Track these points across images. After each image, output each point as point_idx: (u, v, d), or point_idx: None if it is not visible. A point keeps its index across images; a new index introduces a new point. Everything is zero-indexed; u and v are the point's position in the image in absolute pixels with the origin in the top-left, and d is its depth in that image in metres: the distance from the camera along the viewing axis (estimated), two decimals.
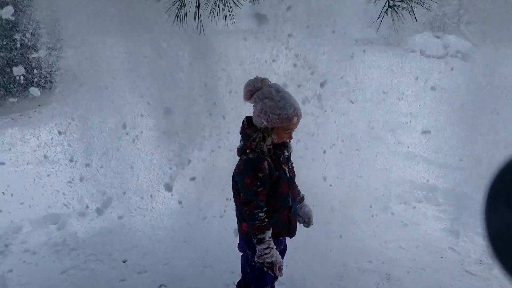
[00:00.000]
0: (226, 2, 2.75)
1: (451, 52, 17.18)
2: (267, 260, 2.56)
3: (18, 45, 10.13)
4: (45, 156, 6.27)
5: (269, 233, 2.56)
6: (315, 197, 3.96)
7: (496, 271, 3.80)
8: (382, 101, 5.85)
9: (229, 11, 2.78)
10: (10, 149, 7.37)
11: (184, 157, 4.52)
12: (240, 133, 2.73)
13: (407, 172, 5.96)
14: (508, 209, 0.77)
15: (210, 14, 2.79)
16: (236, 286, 3.08)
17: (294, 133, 2.73)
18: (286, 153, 2.77)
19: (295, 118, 2.57)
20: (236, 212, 2.85)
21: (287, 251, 3.06)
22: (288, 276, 2.78)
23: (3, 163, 5.72)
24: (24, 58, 10.14)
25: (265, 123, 2.52)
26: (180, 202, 4.61)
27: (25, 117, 9.59)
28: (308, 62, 4.57)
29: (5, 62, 10.21)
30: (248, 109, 2.76)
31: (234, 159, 2.82)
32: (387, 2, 2.73)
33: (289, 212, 2.76)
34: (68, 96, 4.74)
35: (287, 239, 2.99)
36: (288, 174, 2.75)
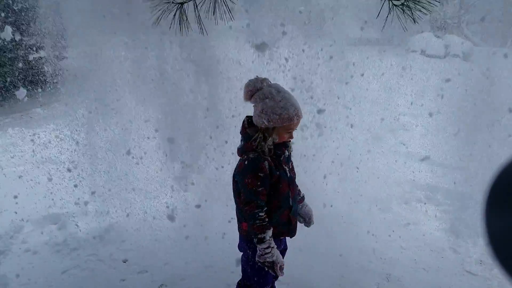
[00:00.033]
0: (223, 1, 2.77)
1: (452, 52, 17.21)
2: (268, 259, 2.56)
3: (20, 45, 10.20)
4: (46, 156, 6.29)
5: (269, 232, 2.56)
6: (315, 197, 3.97)
7: (497, 271, 3.79)
8: (383, 101, 5.85)
9: (226, 12, 2.79)
10: (11, 149, 7.38)
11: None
12: (240, 133, 2.73)
13: (407, 172, 5.97)
14: (508, 210, 0.77)
15: (208, 12, 2.80)
16: (237, 286, 3.07)
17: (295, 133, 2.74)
18: (287, 153, 2.76)
19: (296, 118, 2.57)
20: (236, 212, 2.85)
21: (287, 250, 3.06)
22: (288, 276, 2.77)
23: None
24: (26, 58, 10.17)
25: (266, 123, 2.52)
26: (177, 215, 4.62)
27: (26, 117, 9.60)
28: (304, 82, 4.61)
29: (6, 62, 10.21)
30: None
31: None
32: (389, 2, 2.73)
33: (289, 212, 2.76)
34: (69, 97, 4.74)
35: (288, 239, 2.99)
36: (288, 174, 2.75)
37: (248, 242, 2.78)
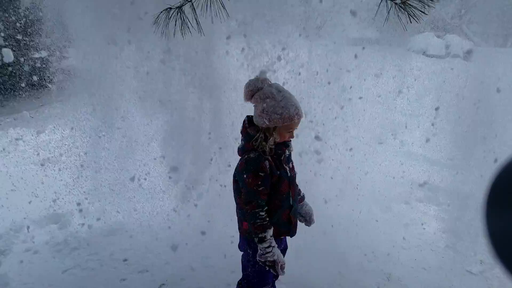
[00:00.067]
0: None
1: (452, 52, 17.20)
2: (269, 259, 2.56)
3: (21, 45, 10.22)
4: (47, 156, 6.30)
5: (270, 231, 2.57)
6: (316, 196, 3.97)
7: (497, 270, 3.81)
8: (384, 101, 5.85)
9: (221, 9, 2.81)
10: (12, 148, 7.38)
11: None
12: (241, 132, 2.73)
13: (408, 172, 5.96)
14: (509, 209, 0.77)
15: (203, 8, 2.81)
16: (237, 285, 3.08)
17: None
18: (287, 153, 2.77)
19: (297, 117, 2.58)
20: (236, 212, 2.85)
21: (287, 250, 3.07)
22: (288, 275, 2.77)
23: None
24: (27, 58, 10.19)
25: (267, 122, 2.53)
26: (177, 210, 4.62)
27: (27, 117, 9.61)
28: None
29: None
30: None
31: None
32: (386, 1, 2.73)
33: (289, 212, 2.77)
34: (70, 97, 4.74)
35: (288, 238, 3.00)
36: (289, 174, 2.76)
37: (249, 241, 2.79)
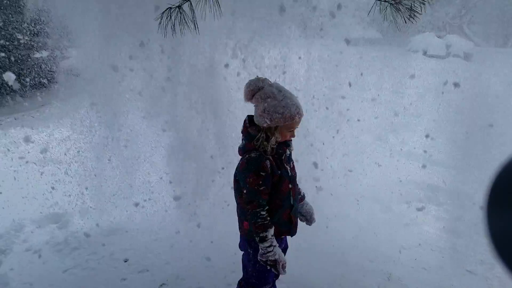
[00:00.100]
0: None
1: (453, 52, 17.22)
2: (270, 258, 2.57)
3: (22, 44, 10.22)
4: (47, 156, 6.29)
5: (271, 231, 2.57)
6: (317, 197, 3.97)
7: (497, 270, 3.81)
8: (384, 101, 5.85)
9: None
10: (12, 148, 7.39)
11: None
12: (241, 132, 2.73)
13: (408, 172, 5.97)
14: (509, 208, 0.77)
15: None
16: (237, 285, 3.08)
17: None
18: (288, 152, 2.77)
19: (298, 116, 2.58)
20: (237, 211, 2.85)
21: (288, 250, 3.07)
22: (288, 275, 2.78)
23: None
24: (28, 58, 10.19)
25: (268, 122, 2.53)
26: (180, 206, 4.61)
27: (28, 117, 9.61)
28: None
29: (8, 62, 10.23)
30: None
31: None
32: (381, 2, 2.74)
33: (290, 211, 2.77)
34: (71, 97, 4.74)
35: (288, 238, 3.00)
36: (289, 173, 2.76)
37: (249, 241, 2.79)
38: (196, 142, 4.42)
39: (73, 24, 4.37)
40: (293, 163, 2.87)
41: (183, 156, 4.44)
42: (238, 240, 2.97)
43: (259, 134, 2.59)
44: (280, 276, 2.89)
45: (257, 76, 2.71)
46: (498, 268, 3.24)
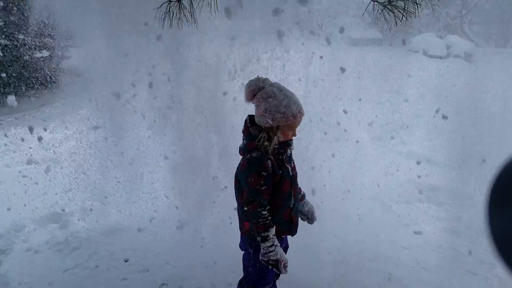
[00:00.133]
0: None
1: (453, 53, 17.21)
2: (272, 257, 2.56)
3: (23, 44, 10.23)
4: (48, 155, 6.30)
5: (273, 231, 2.57)
6: (317, 196, 3.97)
7: (498, 270, 3.81)
8: (385, 101, 5.85)
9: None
10: (13, 148, 7.40)
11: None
12: (242, 132, 2.73)
13: (408, 172, 5.96)
14: (511, 208, 0.78)
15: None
16: (238, 285, 3.08)
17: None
18: (289, 152, 2.78)
19: (299, 115, 2.58)
20: (238, 211, 2.85)
21: (288, 249, 3.07)
22: (289, 275, 2.77)
23: None
24: (29, 57, 10.20)
25: (270, 122, 2.53)
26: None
27: (28, 116, 9.62)
28: None
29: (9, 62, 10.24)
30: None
31: None
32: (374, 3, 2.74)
33: (291, 211, 2.77)
34: (71, 96, 4.74)
35: (289, 238, 3.00)
36: (291, 173, 2.76)
37: (250, 241, 2.79)
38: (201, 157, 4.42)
39: (74, 24, 4.37)
40: (293, 162, 2.87)
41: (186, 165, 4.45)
42: (238, 240, 2.97)
43: (261, 134, 2.59)
44: (281, 275, 2.89)
45: (258, 76, 2.70)
46: (498, 268, 3.23)
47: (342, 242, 4.27)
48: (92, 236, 4.58)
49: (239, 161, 2.73)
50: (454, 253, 4.46)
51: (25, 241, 4.57)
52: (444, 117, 4.94)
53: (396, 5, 2.66)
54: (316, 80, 4.67)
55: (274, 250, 2.56)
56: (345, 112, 4.63)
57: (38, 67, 10.14)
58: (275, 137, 2.58)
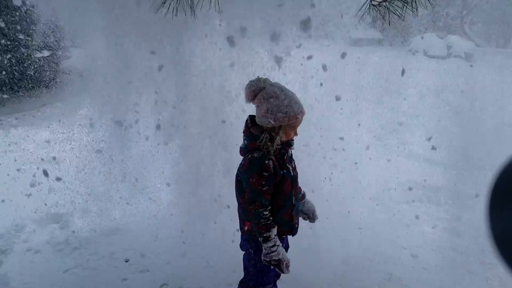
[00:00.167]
0: None
1: (454, 53, 17.22)
2: (274, 258, 2.57)
3: (23, 44, 10.23)
4: (48, 156, 6.29)
5: (274, 231, 2.57)
6: (317, 197, 3.97)
7: (498, 270, 3.81)
8: (385, 101, 5.85)
9: None
10: (13, 148, 7.40)
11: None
12: (243, 132, 2.73)
13: (409, 172, 5.97)
14: (510, 208, 0.78)
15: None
16: (239, 285, 3.09)
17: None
18: (290, 152, 2.78)
19: (301, 115, 2.60)
20: (238, 211, 2.86)
21: (288, 249, 3.07)
22: (289, 275, 2.77)
23: None
24: (30, 57, 10.20)
25: (272, 122, 2.53)
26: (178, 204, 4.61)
27: (29, 116, 9.63)
28: None
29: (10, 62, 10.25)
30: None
31: None
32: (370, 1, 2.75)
33: (291, 211, 2.77)
34: (72, 96, 4.74)
35: (289, 237, 3.00)
36: (292, 173, 2.76)
37: (250, 241, 2.79)
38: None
39: (75, 24, 4.37)
40: (294, 163, 2.88)
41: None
42: (239, 240, 2.98)
43: (263, 134, 2.59)
44: (282, 275, 2.90)
45: (258, 76, 2.70)
46: (498, 268, 3.23)
47: (342, 242, 4.27)
48: (93, 236, 4.58)
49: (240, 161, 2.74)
50: (454, 253, 4.46)
51: (26, 241, 4.57)
52: (434, 148, 4.96)
53: (391, 4, 2.67)
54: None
55: (276, 250, 2.56)
56: (343, 108, 4.65)
57: (38, 67, 10.14)
58: (278, 137, 2.59)
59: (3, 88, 9.79)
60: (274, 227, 2.57)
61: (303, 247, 3.67)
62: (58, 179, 5.01)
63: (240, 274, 3.03)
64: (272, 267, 2.63)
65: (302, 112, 2.60)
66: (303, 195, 3.09)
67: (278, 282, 3.12)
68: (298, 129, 2.73)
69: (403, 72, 4.85)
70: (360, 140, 5.14)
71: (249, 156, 2.62)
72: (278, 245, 2.58)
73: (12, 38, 10.10)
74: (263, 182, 2.54)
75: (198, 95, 4.22)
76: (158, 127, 4.33)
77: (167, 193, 4.79)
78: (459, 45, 18.20)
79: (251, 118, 2.70)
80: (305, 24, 3.48)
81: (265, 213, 2.55)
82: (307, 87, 4.37)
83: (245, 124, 2.72)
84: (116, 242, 4.50)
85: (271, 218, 2.57)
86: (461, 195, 4.90)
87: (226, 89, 4.20)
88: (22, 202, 4.93)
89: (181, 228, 4.37)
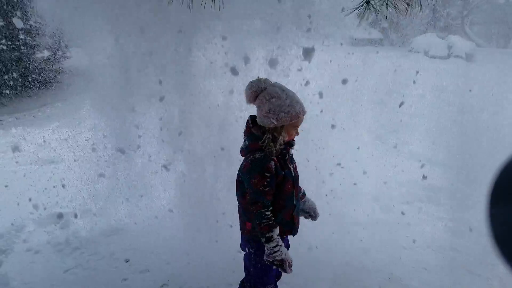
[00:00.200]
0: None
1: (454, 53, 17.21)
2: (277, 258, 2.57)
3: (24, 44, 10.24)
4: (48, 156, 6.30)
5: (276, 231, 2.57)
6: (317, 197, 3.97)
7: (498, 270, 3.80)
8: (386, 101, 5.84)
9: None
10: (14, 148, 7.40)
11: None
12: (244, 133, 2.73)
13: (409, 172, 5.96)
14: (510, 207, 0.78)
15: None
16: (239, 285, 3.09)
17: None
18: (291, 152, 2.78)
19: (302, 114, 2.60)
20: (239, 211, 2.85)
21: (289, 249, 3.07)
22: (290, 275, 2.78)
23: None
24: (30, 57, 10.20)
25: (274, 122, 2.53)
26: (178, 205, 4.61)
27: (29, 116, 9.63)
28: None
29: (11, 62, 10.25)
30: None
31: None
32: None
33: (292, 211, 2.77)
34: (72, 96, 4.74)
35: (290, 237, 3.00)
36: (293, 173, 2.76)
37: (251, 241, 2.79)
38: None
39: (75, 24, 4.37)
40: (295, 163, 2.87)
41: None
42: (239, 240, 2.98)
43: (265, 135, 2.59)
44: (282, 276, 2.90)
45: (258, 77, 2.70)
46: (498, 268, 3.23)
47: (342, 242, 4.27)
48: (93, 236, 4.58)
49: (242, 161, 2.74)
50: (454, 253, 4.46)
51: (26, 241, 4.57)
52: (424, 177, 4.96)
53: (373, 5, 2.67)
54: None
55: (279, 250, 2.56)
56: (343, 108, 4.65)
57: (39, 67, 10.15)
58: (280, 137, 2.59)
59: (4, 88, 9.78)
60: (276, 227, 2.57)
61: (303, 247, 3.67)
62: (58, 179, 5.02)
63: (240, 274, 3.03)
64: (274, 267, 2.63)
65: (303, 111, 2.60)
66: (303, 194, 3.08)
67: (278, 282, 3.12)
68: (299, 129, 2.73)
69: (416, 74, 4.85)
70: (361, 140, 5.14)
71: (251, 156, 2.62)
72: (281, 245, 2.58)
73: (12, 38, 10.11)
74: (265, 183, 2.54)
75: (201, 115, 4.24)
76: (162, 141, 4.35)
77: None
78: (459, 46, 18.18)
79: (252, 118, 2.70)
80: (308, 53, 3.49)
81: (267, 213, 2.55)
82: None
83: (246, 124, 2.72)
84: (116, 242, 4.50)
85: (273, 219, 2.57)
86: (461, 195, 4.90)
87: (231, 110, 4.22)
88: (22, 202, 4.94)
89: (181, 228, 4.37)
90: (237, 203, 2.87)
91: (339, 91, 4.78)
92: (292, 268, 2.66)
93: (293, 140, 2.78)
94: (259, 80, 2.64)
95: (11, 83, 10.08)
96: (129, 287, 3.82)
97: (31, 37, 10.06)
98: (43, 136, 7.64)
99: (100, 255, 4.29)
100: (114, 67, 4.28)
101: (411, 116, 7.72)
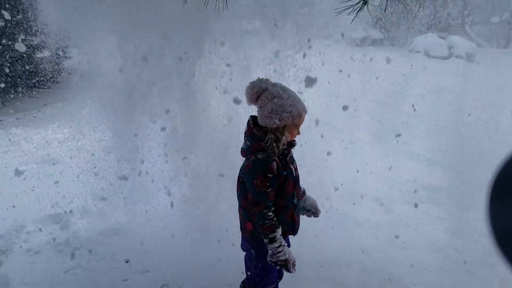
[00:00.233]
0: None
1: (455, 53, 17.17)
2: (280, 258, 2.57)
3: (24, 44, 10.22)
4: (49, 156, 6.30)
5: (279, 231, 2.58)
6: (318, 197, 3.97)
7: (498, 270, 3.80)
8: (386, 101, 5.84)
9: None
10: (14, 148, 7.40)
11: None
12: (245, 133, 2.73)
13: (409, 172, 5.96)
14: (511, 206, 0.78)
15: None
16: (240, 285, 3.09)
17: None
18: (292, 152, 2.78)
19: (304, 113, 2.61)
20: (240, 212, 2.85)
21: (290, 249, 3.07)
22: (290, 275, 2.78)
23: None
24: (30, 57, 10.20)
25: (277, 122, 2.53)
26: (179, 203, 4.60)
27: (29, 116, 9.63)
28: None
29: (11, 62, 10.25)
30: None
31: None
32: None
33: (293, 211, 2.77)
34: (73, 96, 4.74)
35: (290, 237, 3.00)
36: (294, 174, 2.77)
37: (252, 241, 2.79)
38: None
39: (75, 24, 4.37)
40: (296, 163, 2.88)
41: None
42: (239, 240, 2.98)
43: (268, 135, 2.59)
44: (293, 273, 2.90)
45: (259, 77, 2.70)
46: (499, 268, 3.23)
47: (342, 242, 4.27)
48: (93, 237, 4.58)
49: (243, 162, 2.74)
50: (455, 253, 4.46)
51: (26, 241, 4.56)
52: (416, 205, 4.96)
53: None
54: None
55: (282, 250, 2.57)
56: (344, 108, 4.64)
57: (39, 67, 10.15)
58: (283, 137, 2.59)
59: (4, 88, 9.78)
60: (278, 228, 2.58)
61: (304, 247, 3.67)
62: (58, 179, 5.02)
63: (240, 275, 3.03)
64: (278, 267, 2.63)
65: (305, 111, 2.61)
66: (304, 192, 3.08)
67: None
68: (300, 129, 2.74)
69: (416, 74, 4.85)
70: (361, 140, 5.14)
71: (253, 157, 2.62)
72: (284, 245, 2.59)
73: (12, 38, 10.11)
74: (267, 184, 2.54)
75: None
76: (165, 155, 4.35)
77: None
78: (460, 46, 18.14)
79: (253, 118, 2.70)
80: (310, 82, 3.49)
81: (269, 214, 2.55)
82: None
83: (247, 125, 2.72)
84: (117, 242, 4.50)
85: (275, 219, 2.57)
86: (461, 195, 4.90)
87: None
88: (22, 202, 4.93)
89: (181, 228, 4.37)
90: (237, 204, 2.87)
91: (339, 91, 4.78)
92: (295, 267, 2.66)
93: (294, 140, 2.78)
94: (260, 80, 2.65)
95: (11, 83, 10.10)
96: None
97: (31, 37, 10.06)
98: (44, 136, 7.64)
99: (100, 255, 4.28)
100: (116, 68, 4.28)
101: (411, 116, 7.72)
